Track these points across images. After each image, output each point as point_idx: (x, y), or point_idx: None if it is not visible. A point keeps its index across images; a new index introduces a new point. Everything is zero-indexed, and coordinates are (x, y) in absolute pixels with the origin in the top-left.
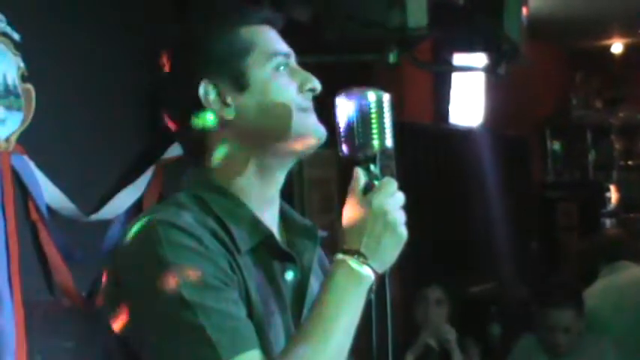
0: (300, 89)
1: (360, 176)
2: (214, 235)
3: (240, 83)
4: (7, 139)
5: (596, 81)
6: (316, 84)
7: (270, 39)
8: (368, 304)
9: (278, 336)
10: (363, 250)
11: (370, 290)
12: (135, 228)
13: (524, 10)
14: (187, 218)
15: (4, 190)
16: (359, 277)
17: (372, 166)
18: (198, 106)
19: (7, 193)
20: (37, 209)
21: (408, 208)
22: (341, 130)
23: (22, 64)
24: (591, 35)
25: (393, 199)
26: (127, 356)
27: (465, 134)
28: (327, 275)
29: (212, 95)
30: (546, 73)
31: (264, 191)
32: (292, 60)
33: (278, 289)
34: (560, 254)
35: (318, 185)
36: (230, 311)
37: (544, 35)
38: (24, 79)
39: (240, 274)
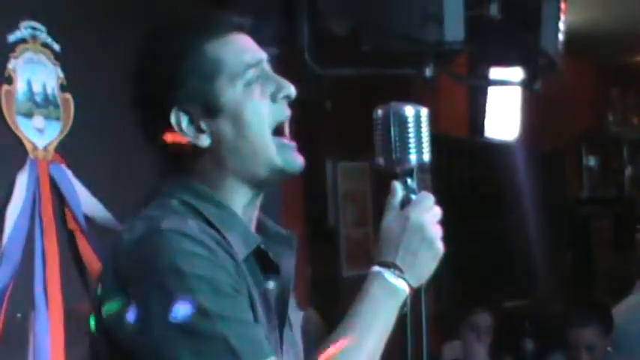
0: (274, 98)
1: (397, 190)
2: (218, 243)
3: (212, 108)
4: (46, 148)
5: (633, 96)
6: (290, 91)
7: (238, 51)
8: (403, 319)
9: (275, 345)
10: (399, 263)
11: (405, 305)
12: (141, 236)
13: (562, 25)
14: (193, 226)
15: (42, 199)
16: (394, 290)
17: (409, 180)
18: (172, 133)
19: (46, 202)
20: (75, 218)
21: (442, 222)
22: (379, 143)
23: (61, 74)
24: (628, 50)
25: (430, 214)
26: None
27: (500, 148)
28: (362, 287)
29: (184, 123)
30: (583, 88)
31: (247, 203)
32: (265, 65)
33: (266, 299)
34: (594, 270)
35: (353, 198)
36: (247, 319)
37: (581, 50)
38: (63, 88)
39: (245, 282)
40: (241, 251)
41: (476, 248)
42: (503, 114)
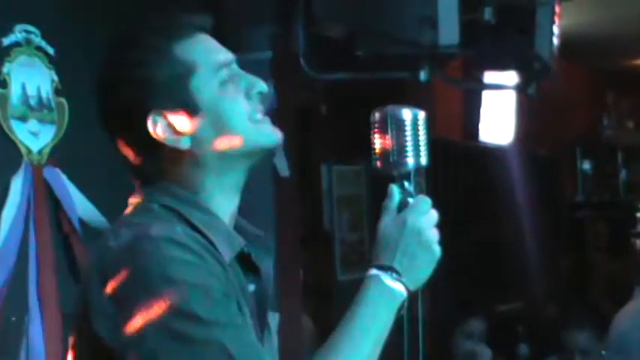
0: (247, 96)
1: (394, 193)
2: (205, 248)
3: (190, 109)
4: (40, 152)
5: (628, 101)
6: (262, 87)
7: (209, 51)
8: (399, 322)
9: None
10: (396, 266)
11: (401, 308)
12: (129, 243)
13: (556, 29)
14: (180, 232)
15: (37, 203)
16: (392, 293)
17: (406, 184)
18: (149, 139)
19: (40, 206)
20: (70, 222)
21: (438, 225)
22: (376, 146)
23: (55, 78)
24: (624, 55)
25: (427, 218)
26: None
27: (495, 152)
28: (360, 290)
29: (162, 127)
30: (578, 93)
31: (227, 204)
32: (235, 65)
33: (249, 303)
34: (589, 274)
35: (348, 202)
36: (240, 323)
37: (576, 55)
38: (57, 92)
39: (233, 286)
40: (227, 254)
41: (471, 252)
42: (498, 118)
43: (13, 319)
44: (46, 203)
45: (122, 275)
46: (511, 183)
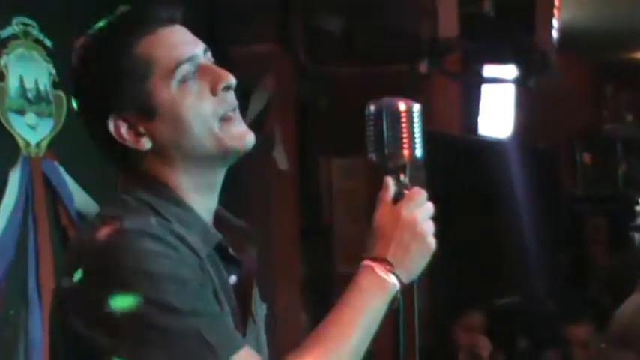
0: (214, 92)
1: (389, 185)
2: (181, 239)
3: (147, 111)
4: (38, 145)
5: (627, 94)
6: (229, 80)
7: (170, 47)
8: (395, 313)
9: None
10: (390, 258)
11: (395, 299)
12: (105, 237)
13: (556, 22)
14: (155, 224)
15: (35, 196)
16: (384, 284)
17: (401, 176)
18: (113, 140)
19: (38, 199)
20: (68, 215)
21: (435, 218)
22: (371, 139)
23: (53, 71)
24: (623, 48)
25: (422, 210)
26: None
27: (494, 146)
28: (352, 280)
29: (123, 129)
30: (577, 86)
31: (204, 202)
32: (200, 58)
33: (229, 294)
34: (588, 268)
35: (347, 195)
36: (216, 312)
37: (575, 48)
38: (55, 85)
39: (208, 278)
40: (201, 249)
41: (469, 246)
42: (497, 111)
43: (12, 312)
44: (44, 196)
45: (97, 269)
46: (510, 177)
